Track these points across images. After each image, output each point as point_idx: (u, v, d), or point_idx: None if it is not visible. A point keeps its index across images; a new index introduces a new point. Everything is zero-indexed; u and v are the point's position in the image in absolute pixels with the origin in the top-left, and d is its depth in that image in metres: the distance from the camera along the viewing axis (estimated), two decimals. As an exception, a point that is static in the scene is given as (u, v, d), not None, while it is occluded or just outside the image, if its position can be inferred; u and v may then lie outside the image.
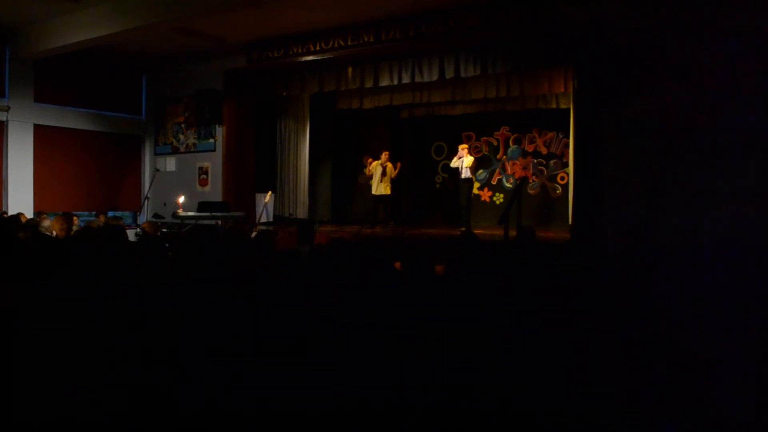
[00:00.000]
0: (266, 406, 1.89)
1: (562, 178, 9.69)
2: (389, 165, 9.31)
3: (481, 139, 10.52)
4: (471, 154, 8.79)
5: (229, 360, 2.07)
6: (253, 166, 9.67)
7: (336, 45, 8.17)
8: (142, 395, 1.97)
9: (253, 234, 6.26)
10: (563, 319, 2.28)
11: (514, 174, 10.26)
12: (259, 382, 1.96)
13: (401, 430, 1.80)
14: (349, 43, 8.04)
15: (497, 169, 10.40)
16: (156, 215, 9.03)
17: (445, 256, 3.66)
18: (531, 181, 9.99)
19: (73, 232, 5.23)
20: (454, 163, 8.71)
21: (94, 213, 9.65)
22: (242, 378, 2.00)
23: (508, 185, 10.31)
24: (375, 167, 9.33)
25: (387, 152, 9.44)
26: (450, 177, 10.43)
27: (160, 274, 3.04)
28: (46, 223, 5.43)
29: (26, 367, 2.08)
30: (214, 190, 9.66)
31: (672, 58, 6.03)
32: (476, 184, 10.17)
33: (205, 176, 9.94)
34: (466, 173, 8.52)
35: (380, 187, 9.28)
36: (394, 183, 9.52)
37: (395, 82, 8.23)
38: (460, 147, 8.74)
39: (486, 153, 10.49)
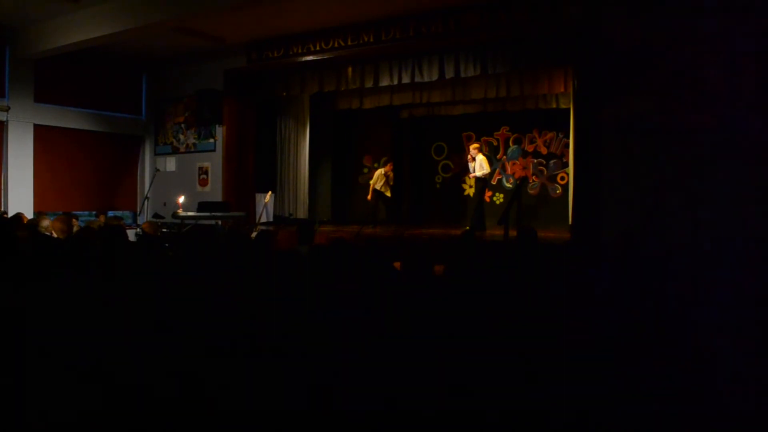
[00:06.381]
0: (265, 406, 1.89)
1: (562, 178, 9.69)
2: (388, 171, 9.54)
3: (481, 139, 10.52)
4: (482, 153, 8.90)
5: (226, 360, 2.08)
6: (253, 166, 9.68)
7: (336, 45, 8.17)
8: (141, 395, 1.97)
9: (253, 234, 6.26)
10: (562, 319, 2.29)
11: (514, 174, 10.26)
12: (258, 382, 1.96)
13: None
14: (349, 43, 8.04)
15: (497, 169, 10.41)
16: (156, 215, 9.03)
17: (445, 256, 3.66)
18: (531, 181, 9.99)
19: (73, 233, 5.22)
20: (476, 169, 8.68)
21: (94, 213, 9.65)
22: (242, 378, 2.00)
23: (508, 185, 10.32)
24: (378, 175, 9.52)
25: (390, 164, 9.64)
26: (452, 176, 10.47)
27: (160, 274, 3.04)
28: (46, 223, 5.42)
29: (27, 367, 2.08)
30: (214, 190, 9.66)
31: (672, 58, 6.03)
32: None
33: (205, 176, 9.94)
34: (480, 171, 8.59)
35: (381, 187, 9.45)
36: (394, 182, 9.59)
37: (395, 82, 8.24)
38: (471, 147, 8.87)
39: (486, 153, 10.50)
